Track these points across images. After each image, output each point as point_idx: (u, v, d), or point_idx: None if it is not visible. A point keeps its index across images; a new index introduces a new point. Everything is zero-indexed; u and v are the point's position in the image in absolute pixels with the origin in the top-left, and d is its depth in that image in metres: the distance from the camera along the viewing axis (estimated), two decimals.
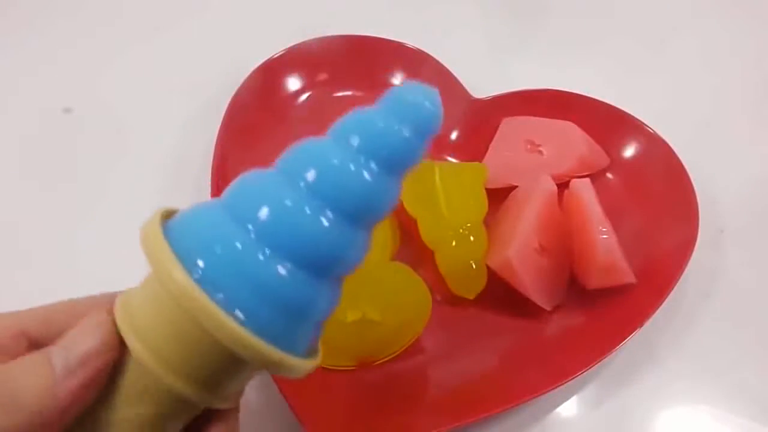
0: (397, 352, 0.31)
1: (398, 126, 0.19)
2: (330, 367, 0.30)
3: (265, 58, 0.38)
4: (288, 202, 0.18)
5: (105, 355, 0.17)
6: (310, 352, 0.20)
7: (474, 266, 0.32)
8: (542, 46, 0.47)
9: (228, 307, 0.17)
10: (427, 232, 0.33)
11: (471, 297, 0.33)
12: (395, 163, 0.19)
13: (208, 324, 0.16)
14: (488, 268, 0.32)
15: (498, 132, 0.38)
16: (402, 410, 0.29)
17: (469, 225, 0.33)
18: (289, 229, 0.17)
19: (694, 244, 0.32)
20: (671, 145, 0.35)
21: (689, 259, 0.32)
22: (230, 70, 0.38)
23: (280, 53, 0.39)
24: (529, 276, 0.31)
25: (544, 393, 0.29)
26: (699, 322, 0.34)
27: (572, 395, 0.32)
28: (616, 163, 0.37)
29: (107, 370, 0.18)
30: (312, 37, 0.39)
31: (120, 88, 0.43)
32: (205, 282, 0.17)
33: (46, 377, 0.17)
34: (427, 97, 0.19)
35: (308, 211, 0.18)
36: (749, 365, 0.33)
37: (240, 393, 0.20)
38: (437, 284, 0.33)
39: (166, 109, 0.41)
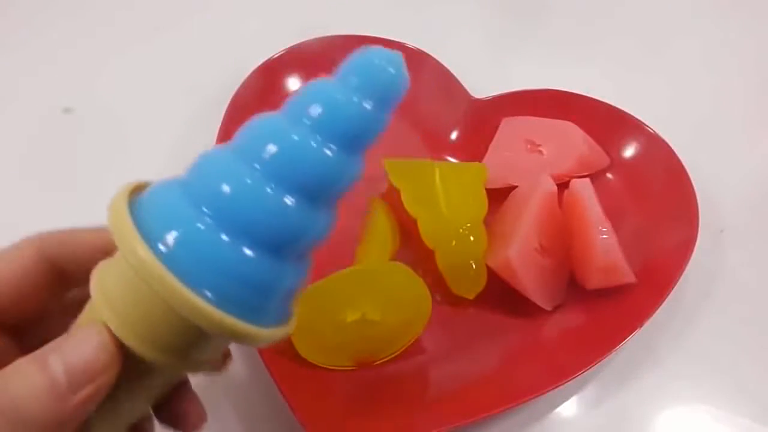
0: (397, 352, 0.31)
1: (358, 98, 0.18)
2: (330, 367, 0.30)
3: (265, 58, 0.38)
4: (245, 181, 0.17)
5: (110, 370, 0.17)
6: (283, 320, 0.19)
7: (474, 266, 0.32)
8: (542, 46, 0.47)
9: (192, 283, 0.16)
10: (427, 232, 0.33)
11: (471, 297, 0.33)
12: (355, 139, 0.18)
13: (172, 300, 0.17)
14: (488, 268, 0.32)
15: (498, 132, 0.38)
16: (402, 410, 0.29)
17: (469, 225, 0.33)
18: (243, 210, 0.17)
19: (694, 244, 0.32)
20: (671, 145, 0.35)
21: (689, 259, 0.32)
22: (230, 70, 0.38)
23: (280, 53, 0.39)
24: (529, 276, 0.31)
25: (544, 393, 0.29)
26: (699, 322, 0.34)
27: (572, 395, 0.32)
28: (616, 163, 0.37)
29: (111, 383, 0.17)
30: (312, 37, 0.39)
31: (120, 88, 0.43)
32: (167, 258, 0.17)
33: (46, 387, 0.16)
34: (390, 62, 0.18)
35: (269, 191, 0.17)
36: (749, 365, 0.33)
37: (224, 358, 0.21)
38: (437, 284, 0.33)
39: (166, 110, 0.41)
